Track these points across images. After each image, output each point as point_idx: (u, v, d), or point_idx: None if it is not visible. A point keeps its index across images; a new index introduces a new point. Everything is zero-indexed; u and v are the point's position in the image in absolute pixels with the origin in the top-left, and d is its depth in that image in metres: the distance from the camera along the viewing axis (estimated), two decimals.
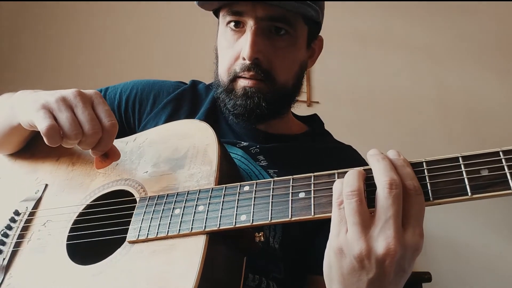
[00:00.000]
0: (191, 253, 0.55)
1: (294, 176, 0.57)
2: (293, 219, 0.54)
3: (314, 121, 1.02)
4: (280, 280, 0.75)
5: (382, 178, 0.49)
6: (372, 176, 0.51)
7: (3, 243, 0.70)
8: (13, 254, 0.68)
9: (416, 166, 0.51)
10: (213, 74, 0.90)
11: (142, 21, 2.59)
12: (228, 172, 0.67)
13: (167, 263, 0.56)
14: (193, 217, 0.59)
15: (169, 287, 0.53)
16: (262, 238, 0.61)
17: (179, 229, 0.59)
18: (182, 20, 2.57)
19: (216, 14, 0.87)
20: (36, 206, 0.74)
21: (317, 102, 2.49)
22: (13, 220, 0.73)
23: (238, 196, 0.59)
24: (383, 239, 0.47)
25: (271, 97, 0.81)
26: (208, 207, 0.59)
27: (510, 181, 0.46)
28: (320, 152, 0.89)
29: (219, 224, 0.57)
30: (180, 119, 0.87)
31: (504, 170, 0.47)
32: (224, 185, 0.61)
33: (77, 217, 0.70)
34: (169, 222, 0.60)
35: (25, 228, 0.71)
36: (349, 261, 0.49)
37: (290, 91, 0.86)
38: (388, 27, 2.65)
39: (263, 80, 0.80)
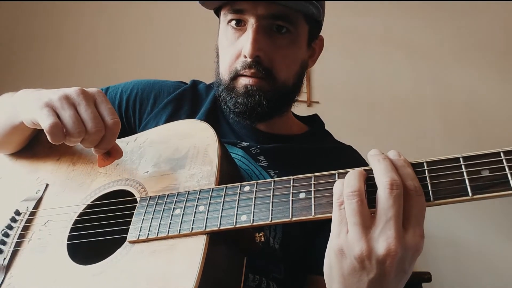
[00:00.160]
0: (191, 253, 0.55)
1: (295, 176, 0.57)
2: (293, 219, 0.54)
3: (314, 121, 1.02)
4: (280, 280, 0.75)
5: (383, 179, 0.49)
6: (373, 177, 0.51)
7: (4, 243, 0.70)
8: (14, 253, 0.68)
9: (416, 167, 0.51)
10: (214, 73, 0.90)
11: (142, 21, 2.59)
12: (228, 172, 0.67)
13: (167, 263, 0.56)
14: (194, 217, 0.59)
15: (169, 287, 0.54)
16: (262, 238, 0.61)
17: (180, 229, 0.59)
18: (182, 20, 2.57)
19: (217, 13, 0.87)
20: (36, 205, 0.74)
21: (317, 102, 2.49)
22: (13, 219, 0.73)
23: (239, 196, 0.59)
24: (383, 239, 0.47)
25: (272, 96, 0.81)
26: (208, 207, 0.59)
27: (511, 181, 0.46)
28: (320, 152, 0.89)
29: (220, 224, 0.57)
30: (180, 119, 0.87)
31: (505, 170, 0.47)
32: (224, 185, 0.61)
33: (77, 217, 0.70)
34: (170, 222, 0.60)
35: (25, 228, 0.71)
36: (349, 262, 0.49)
37: (291, 90, 0.86)
38: (388, 27, 2.65)
39: (264, 78, 0.80)
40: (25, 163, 0.83)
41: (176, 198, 0.62)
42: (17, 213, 0.74)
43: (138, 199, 0.66)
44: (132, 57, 2.49)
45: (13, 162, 0.85)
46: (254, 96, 0.80)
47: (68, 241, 0.67)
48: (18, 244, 0.70)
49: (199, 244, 0.56)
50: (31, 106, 0.65)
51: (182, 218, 0.60)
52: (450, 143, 2.41)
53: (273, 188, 0.57)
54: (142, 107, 0.94)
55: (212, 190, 0.61)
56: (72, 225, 0.69)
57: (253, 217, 0.56)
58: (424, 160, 0.52)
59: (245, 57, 0.79)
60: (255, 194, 0.58)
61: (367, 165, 0.54)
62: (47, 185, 0.77)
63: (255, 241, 0.61)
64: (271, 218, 0.55)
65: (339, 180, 0.52)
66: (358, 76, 2.57)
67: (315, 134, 0.97)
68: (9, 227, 0.72)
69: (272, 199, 0.56)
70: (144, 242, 0.60)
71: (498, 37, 2.62)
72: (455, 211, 2.26)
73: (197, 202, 0.60)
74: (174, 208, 0.61)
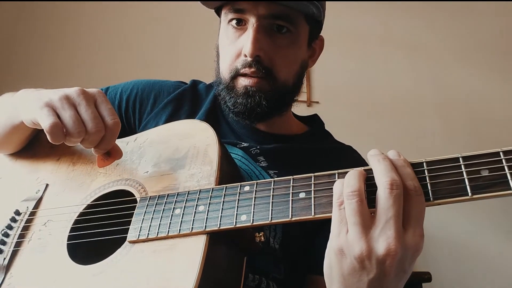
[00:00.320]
0: (191, 253, 0.55)
1: (295, 176, 0.57)
2: (293, 219, 0.54)
3: (314, 121, 1.02)
4: (280, 280, 0.75)
5: (382, 179, 0.49)
6: (373, 177, 0.51)
7: (4, 243, 0.70)
8: (14, 253, 0.68)
9: (416, 167, 0.51)
10: (214, 72, 0.90)
11: (142, 21, 2.59)
12: (228, 172, 0.67)
13: (167, 263, 0.56)
14: (194, 217, 0.59)
15: (169, 287, 0.54)
16: (262, 238, 0.61)
17: (180, 229, 0.59)
18: (182, 20, 2.57)
19: (218, 12, 0.87)
20: (36, 205, 0.74)
21: (317, 102, 2.49)
22: (13, 219, 0.73)
23: (239, 196, 0.59)
24: (383, 239, 0.47)
25: (272, 95, 0.81)
26: (208, 207, 0.59)
27: (510, 181, 0.46)
28: (320, 152, 0.89)
29: (220, 224, 0.57)
30: (180, 119, 0.87)
31: (505, 170, 0.47)
32: (224, 185, 0.61)
33: (77, 217, 0.70)
34: (170, 222, 0.60)
35: (25, 228, 0.72)
36: (349, 262, 0.49)
37: (291, 90, 0.86)
38: (388, 27, 2.65)
39: (264, 78, 0.80)
40: (25, 163, 0.83)
41: (176, 198, 0.62)
42: (17, 213, 0.74)
43: (138, 199, 0.66)
44: (132, 57, 2.49)
45: (13, 162, 0.85)
46: (254, 96, 0.80)
47: (68, 241, 0.67)
48: (18, 244, 0.70)
49: (199, 244, 0.56)
50: (31, 106, 0.65)
51: (182, 218, 0.60)
52: (450, 143, 2.41)
53: (273, 188, 0.57)
54: (142, 107, 0.94)
55: (212, 190, 0.61)
56: (72, 225, 0.69)
57: (253, 217, 0.56)
58: (423, 160, 0.52)
59: (246, 56, 0.79)
60: (255, 194, 0.58)
61: (367, 165, 0.54)
62: (47, 185, 0.77)
63: (255, 241, 0.61)
64: (271, 218, 0.55)
65: (339, 180, 0.52)
66: (358, 76, 2.57)
67: (315, 134, 0.97)
68: (9, 227, 0.72)
69: (272, 199, 0.56)
70: (144, 242, 0.60)
71: (498, 37, 2.62)
72: (454, 211, 2.26)
73: (197, 202, 0.60)
74: (174, 208, 0.61)
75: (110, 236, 0.65)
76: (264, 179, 0.76)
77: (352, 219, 0.48)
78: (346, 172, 0.53)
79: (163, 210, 0.62)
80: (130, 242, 0.61)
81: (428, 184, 0.50)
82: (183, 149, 0.70)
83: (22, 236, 0.71)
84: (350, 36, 2.61)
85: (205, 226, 0.58)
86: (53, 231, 0.69)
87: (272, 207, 0.56)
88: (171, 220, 0.60)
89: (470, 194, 0.48)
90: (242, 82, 0.81)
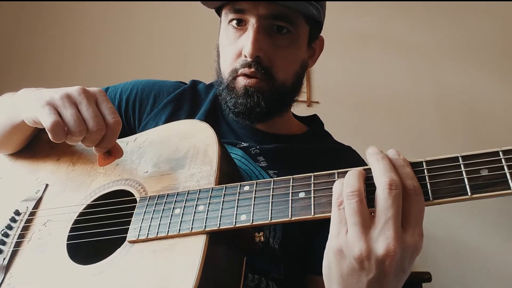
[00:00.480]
0: (191, 253, 0.55)
1: (294, 176, 0.57)
2: (293, 219, 0.54)
3: (314, 121, 1.02)
4: (279, 280, 0.75)
5: (382, 179, 0.49)
6: (372, 176, 0.51)
7: (4, 243, 0.70)
8: (14, 253, 0.68)
9: (415, 166, 0.51)
10: (214, 72, 0.90)
11: (142, 21, 2.59)
12: (228, 172, 0.67)
13: (167, 262, 0.56)
14: (193, 217, 0.59)
15: (169, 287, 0.54)
16: (262, 238, 0.61)
17: (179, 229, 0.59)
18: (182, 20, 2.57)
19: (218, 12, 0.87)
20: (36, 206, 0.74)
21: (317, 102, 2.49)
22: (13, 220, 0.73)
23: (238, 196, 0.59)
24: (383, 239, 0.47)
25: (271, 96, 0.81)
26: (208, 207, 0.59)
27: (509, 181, 0.46)
28: (320, 152, 0.89)
29: (219, 224, 0.57)
30: (180, 119, 0.87)
31: (504, 170, 0.47)
32: (224, 185, 0.61)
33: (77, 217, 0.70)
34: (169, 222, 0.60)
35: (25, 228, 0.72)
36: (349, 262, 0.49)
37: (290, 90, 0.86)
38: (388, 27, 2.66)
39: (263, 78, 0.80)
40: (25, 163, 0.83)
41: (176, 198, 0.62)
42: (17, 213, 0.74)
43: (137, 199, 0.66)
44: (132, 57, 2.49)
45: (13, 162, 0.85)
46: (253, 96, 0.80)
47: (68, 241, 0.67)
48: (18, 244, 0.70)
49: (198, 244, 0.56)
50: (32, 105, 0.66)
51: (181, 218, 0.60)
52: (449, 143, 2.41)
53: (273, 188, 0.57)
54: (141, 107, 0.94)
55: (212, 190, 0.61)
56: (72, 225, 0.69)
57: (252, 217, 0.56)
58: (423, 160, 0.52)
59: (245, 56, 0.79)
60: (255, 194, 0.58)
61: (367, 165, 0.53)
62: (47, 185, 0.77)
63: (254, 241, 0.61)
64: (271, 217, 0.55)
65: (338, 179, 0.52)
66: (358, 76, 2.58)
67: (314, 134, 0.97)
68: (9, 227, 0.72)
69: (272, 199, 0.56)
70: (143, 242, 0.60)
71: (497, 37, 2.62)
72: (454, 211, 2.26)
73: (197, 201, 0.60)
74: (173, 208, 0.61)
75: (110, 236, 0.65)
76: (264, 179, 0.76)
77: (352, 219, 0.48)
78: (346, 172, 0.53)
79: (163, 210, 0.62)
80: (130, 242, 0.61)
81: (428, 183, 0.50)
82: (183, 149, 0.70)
83: (22, 236, 0.71)
84: (350, 36, 2.61)
85: (205, 226, 0.58)
86: (53, 231, 0.69)
87: (271, 207, 0.56)
88: (170, 220, 0.60)
89: (469, 193, 0.48)
90: (242, 82, 0.81)
